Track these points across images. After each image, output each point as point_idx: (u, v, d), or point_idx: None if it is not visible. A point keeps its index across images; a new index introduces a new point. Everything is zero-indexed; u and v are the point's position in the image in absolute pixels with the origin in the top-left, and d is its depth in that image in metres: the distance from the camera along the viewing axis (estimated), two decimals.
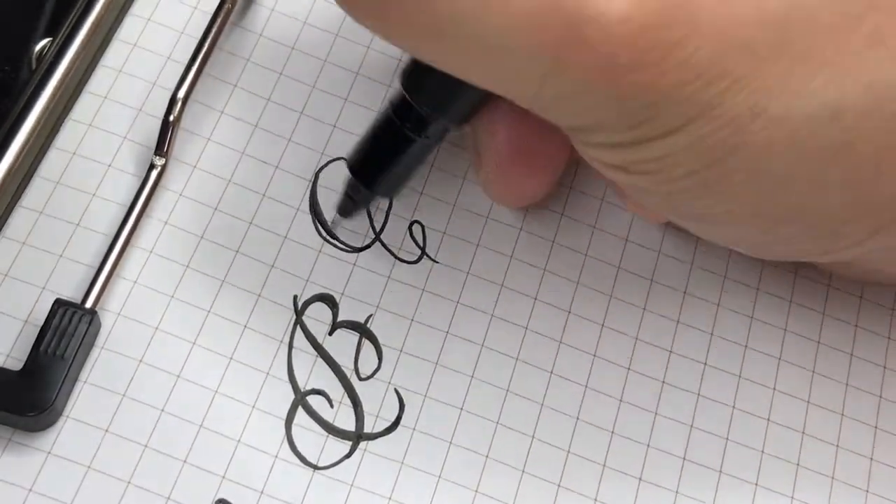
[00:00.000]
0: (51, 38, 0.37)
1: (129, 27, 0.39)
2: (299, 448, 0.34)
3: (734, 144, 0.29)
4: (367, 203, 0.37)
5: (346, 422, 0.35)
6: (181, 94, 0.37)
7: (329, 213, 0.38)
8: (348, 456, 0.35)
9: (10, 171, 0.35)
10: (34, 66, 0.37)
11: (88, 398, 0.34)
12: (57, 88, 0.36)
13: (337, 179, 0.38)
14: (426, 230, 0.38)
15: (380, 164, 0.36)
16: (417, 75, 0.33)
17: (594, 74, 0.28)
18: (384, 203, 0.38)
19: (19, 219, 0.36)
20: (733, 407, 0.37)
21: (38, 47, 0.37)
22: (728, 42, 0.28)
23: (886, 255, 0.34)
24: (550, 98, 0.30)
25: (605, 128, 0.30)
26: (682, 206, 0.32)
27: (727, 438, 0.37)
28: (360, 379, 0.36)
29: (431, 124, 0.34)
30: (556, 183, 0.37)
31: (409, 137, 0.35)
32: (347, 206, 0.37)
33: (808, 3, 0.29)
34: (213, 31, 0.38)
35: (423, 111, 0.34)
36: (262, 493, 0.34)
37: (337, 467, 0.34)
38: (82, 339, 0.34)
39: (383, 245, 0.38)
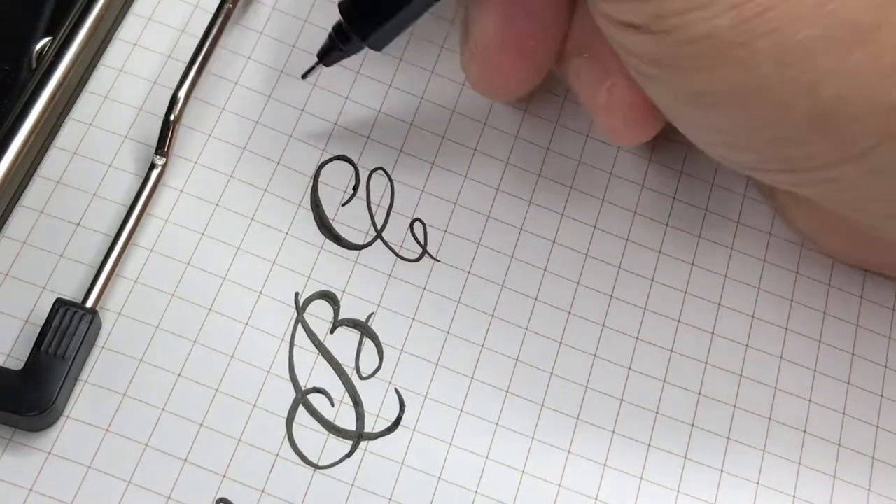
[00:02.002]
0: (51, 38, 0.37)
1: (130, 26, 0.39)
2: (300, 447, 0.35)
3: (765, 6, 0.29)
4: (350, 53, 0.37)
5: (347, 421, 0.35)
6: (182, 92, 0.37)
7: (330, 210, 0.38)
8: (349, 455, 0.35)
9: (11, 171, 0.35)
10: (34, 65, 0.37)
11: (89, 398, 0.34)
12: (57, 88, 0.36)
13: (339, 177, 0.38)
14: (427, 228, 0.38)
15: (375, 13, 0.35)
16: None
17: None
18: (386, 200, 0.38)
19: (20, 218, 0.36)
20: (735, 406, 0.37)
21: (38, 46, 0.37)
22: None
23: (850, 193, 0.33)
24: None
25: None
26: (693, 79, 0.31)
27: (728, 437, 0.37)
28: (361, 378, 0.36)
29: None
30: (539, 79, 0.37)
31: None
32: (331, 54, 0.37)
33: None
34: (214, 29, 0.38)
35: None
36: (262, 492, 0.34)
37: (337, 467, 0.35)
38: (83, 338, 0.34)
39: (384, 243, 0.38)
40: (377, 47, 0.36)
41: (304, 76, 0.38)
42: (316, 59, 0.37)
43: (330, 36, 0.36)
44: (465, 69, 0.37)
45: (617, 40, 0.32)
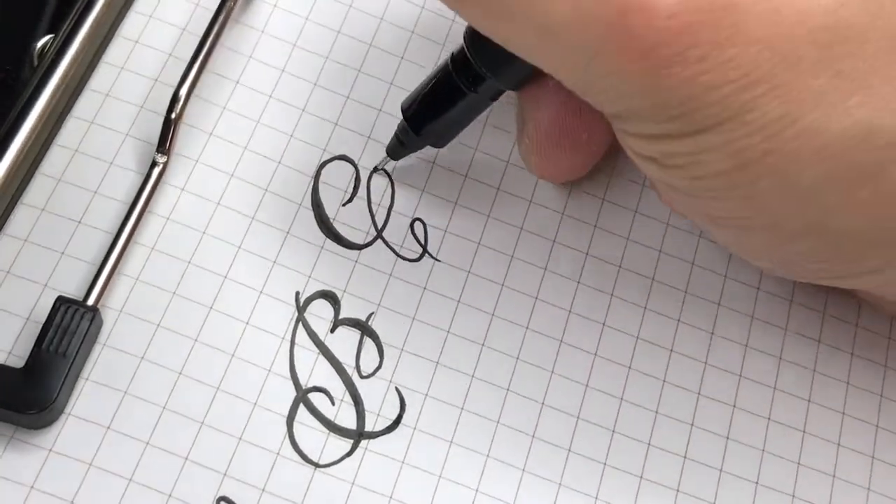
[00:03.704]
0: (52, 35, 0.37)
1: (131, 24, 0.39)
2: (301, 446, 0.35)
3: (764, 150, 0.29)
4: (414, 148, 0.38)
5: (348, 420, 0.35)
6: (183, 91, 0.37)
7: (331, 210, 0.38)
8: (349, 454, 0.35)
9: (13, 168, 0.35)
10: (36, 63, 0.37)
11: (90, 396, 0.34)
12: (59, 85, 0.36)
13: (340, 177, 0.38)
14: (428, 228, 0.38)
15: (431, 111, 0.37)
16: (480, 35, 0.34)
17: (635, 63, 0.29)
18: (386, 200, 0.38)
19: (21, 216, 0.36)
20: (734, 406, 0.37)
21: (39, 44, 0.37)
22: (771, 50, 0.29)
23: None
24: (593, 82, 0.31)
25: (641, 118, 0.31)
26: (707, 207, 0.33)
27: (728, 437, 0.37)
28: (362, 377, 0.36)
29: (485, 82, 0.35)
30: (595, 162, 0.38)
31: (462, 90, 0.36)
32: (396, 149, 0.38)
33: (858, 23, 0.29)
34: (216, 27, 0.38)
35: (480, 69, 0.35)
36: (263, 490, 0.34)
37: (338, 465, 0.35)
38: (84, 336, 0.34)
39: (385, 242, 0.38)
40: (432, 143, 0.38)
41: (376, 169, 0.39)
42: (385, 154, 0.38)
43: (396, 132, 0.38)
44: (525, 160, 0.38)
45: (640, 166, 0.33)
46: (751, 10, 0.29)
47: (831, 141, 0.29)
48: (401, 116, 0.37)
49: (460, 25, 0.38)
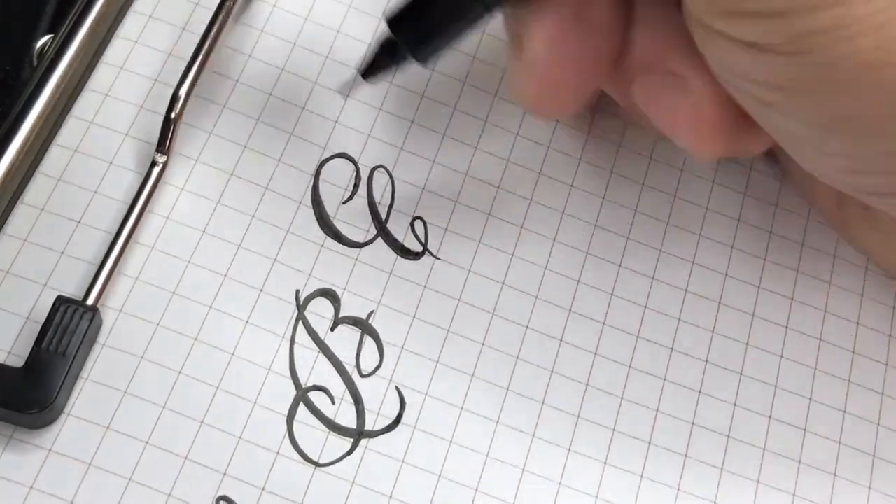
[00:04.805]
0: (52, 35, 0.37)
1: (131, 23, 0.39)
2: (301, 445, 0.35)
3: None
4: (396, 66, 0.34)
5: (348, 419, 0.35)
6: (183, 90, 0.37)
7: (331, 207, 0.38)
8: (349, 453, 0.35)
9: (12, 168, 0.35)
10: (35, 63, 0.37)
11: (90, 395, 0.34)
12: (58, 85, 0.36)
13: (340, 175, 0.38)
14: (428, 226, 0.38)
15: (432, 27, 0.33)
16: None
17: None
18: (387, 198, 0.38)
19: (21, 216, 0.36)
20: (735, 404, 0.37)
21: (39, 44, 0.37)
22: None
23: None
24: None
25: None
26: (812, 106, 0.29)
27: (729, 436, 0.37)
28: (362, 376, 0.36)
29: None
30: (592, 93, 0.35)
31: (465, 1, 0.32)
32: (375, 68, 0.35)
33: None
34: (215, 27, 0.38)
35: None
36: (263, 489, 0.34)
37: (338, 464, 0.35)
38: (84, 336, 0.34)
39: (386, 239, 0.38)
40: (424, 62, 0.34)
41: (345, 93, 0.36)
42: (355, 74, 0.35)
43: (377, 53, 0.34)
44: (518, 91, 0.34)
45: (729, 62, 0.29)
46: None
47: None
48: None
49: None
